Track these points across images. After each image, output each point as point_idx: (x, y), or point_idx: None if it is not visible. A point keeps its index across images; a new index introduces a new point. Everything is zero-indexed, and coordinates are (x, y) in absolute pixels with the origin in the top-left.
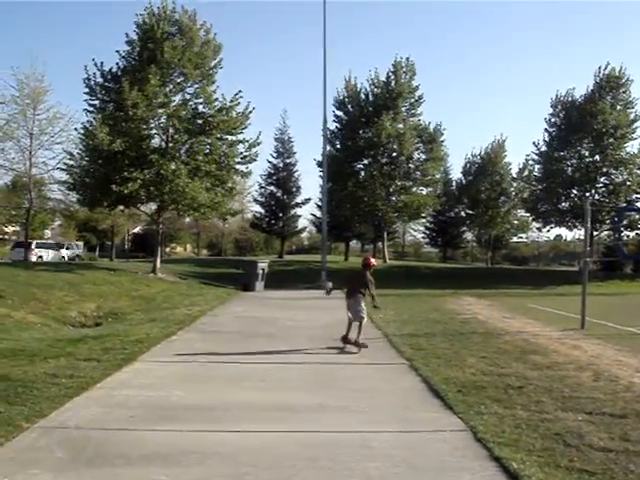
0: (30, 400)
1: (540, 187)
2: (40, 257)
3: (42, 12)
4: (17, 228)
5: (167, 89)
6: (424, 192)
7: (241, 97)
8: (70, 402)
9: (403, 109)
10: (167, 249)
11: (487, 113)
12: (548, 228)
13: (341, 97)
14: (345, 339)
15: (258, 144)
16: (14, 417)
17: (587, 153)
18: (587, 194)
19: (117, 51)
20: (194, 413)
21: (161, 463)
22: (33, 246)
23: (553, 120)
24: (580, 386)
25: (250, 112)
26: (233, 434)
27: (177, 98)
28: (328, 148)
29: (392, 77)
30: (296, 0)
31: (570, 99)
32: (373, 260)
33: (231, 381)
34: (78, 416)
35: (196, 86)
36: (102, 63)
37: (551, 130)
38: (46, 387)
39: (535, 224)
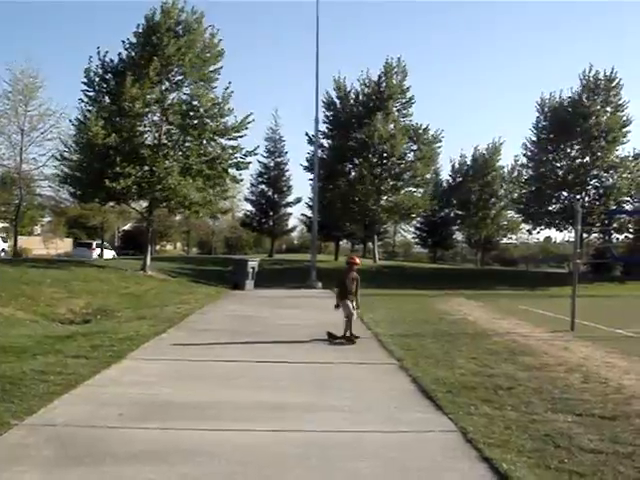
0: (18, 397)
1: (530, 189)
2: (99, 255)
3: (40, 7)
4: (6, 224)
5: (163, 87)
6: (415, 192)
7: (232, 92)
8: (58, 399)
9: (394, 109)
10: (157, 247)
11: (481, 114)
12: (538, 230)
13: (330, 98)
14: (345, 336)
15: (255, 154)
16: (1, 414)
17: (577, 154)
18: (577, 196)
19: (122, 41)
20: (183, 411)
21: (149, 461)
22: (94, 245)
23: (542, 123)
24: (570, 388)
25: (249, 122)
26: (223, 432)
27: (172, 96)
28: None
29: (383, 78)
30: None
31: (558, 101)
32: (358, 260)
33: (221, 379)
34: (66, 413)
35: (193, 87)
36: (106, 52)
37: (539, 132)
38: (34, 384)
39: (525, 225)
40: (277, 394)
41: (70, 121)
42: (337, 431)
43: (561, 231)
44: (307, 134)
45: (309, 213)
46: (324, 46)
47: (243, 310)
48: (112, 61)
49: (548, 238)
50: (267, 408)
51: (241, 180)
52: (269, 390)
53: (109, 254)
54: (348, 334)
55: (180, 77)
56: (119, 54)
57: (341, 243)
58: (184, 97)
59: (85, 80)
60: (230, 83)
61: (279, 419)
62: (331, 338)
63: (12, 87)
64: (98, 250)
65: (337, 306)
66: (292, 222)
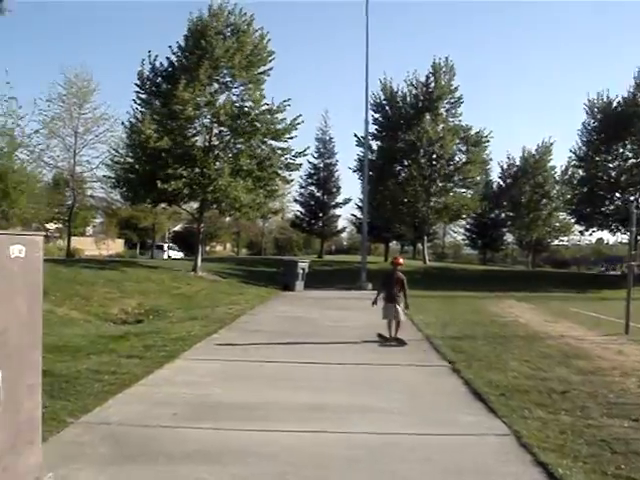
0: (73, 395)
1: (582, 190)
2: (169, 256)
3: (96, 10)
4: (59, 225)
5: (212, 89)
6: (464, 193)
7: (289, 105)
8: (112, 398)
9: (443, 110)
10: (207, 248)
11: (532, 113)
12: (590, 231)
13: (378, 100)
14: (395, 338)
15: (304, 155)
16: (58, 412)
17: (630, 155)
18: (631, 198)
19: (169, 46)
20: (235, 411)
21: (203, 461)
22: (166, 247)
23: (592, 124)
24: (625, 392)
25: (298, 123)
26: (274, 433)
27: (222, 97)
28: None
29: (431, 79)
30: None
31: (606, 101)
32: (401, 260)
33: (272, 380)
34: (120, 412)
35: (242, 88)
36: (156, 57)
37: (589, 133)
38: (89, 383)
39: (577, 227)
40: (328, 395)
41: (122, 123)
42: (388, 433)
43: (614, 233)
44: (356, 135)
45: (359, 214)
46: (374, 45)
47: (293, 311)
48: (162, 65)
49: (600, 240)
50: (318, 409)
51: (291, 180)
52: (320, 391)
53: (178, 255)
54: (388, 335)
55: (229, 79)
56: (168, 58)
57: (391, 244)
58: (234, 98)
59: (138, 82)
60: (290, 99)
61: (330, 420)
62: (382, 339)
63: (67, 90)
64: (170, 251)
65: (374, 303)
66: (341, 223)
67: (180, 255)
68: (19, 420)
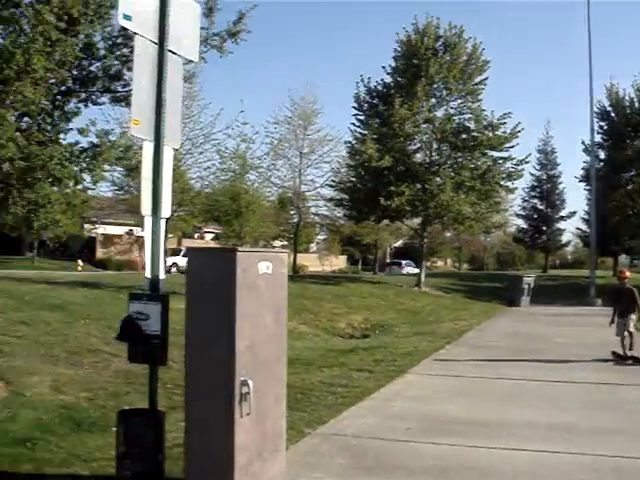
0: (309, 407)
1: None
2: (407, 272)
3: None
4: (285, 242)
5: (430, 104)
6: None
7: (510, 117)
8: (346, 411)
9: None
10: (428, 263)
11: None
12: None
13: (603, 107)
14: (632, 357)
15: (526, 162)
16: (296, 422)
17: None
18: None
19: (383, 67)
20: (469, 428)
21: (443, 476)
22: (404, 264)
23: None
24: None
25: (519, 131)
26: (510, 452)
27: (440, 112)
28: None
29: None
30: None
31: None
32: (628, 273)
33: (503, 397)
34: (355, 425)
35: (459, 101)
36: (369, 79)
37: None
38: (323, 395)
39: None
40: (563, 414)
41: (345, 142)
42: (633, 457)
43: None
44: (583, 142)
45: (584, 227)
46: (597, 48)
47: (520, 327)
48: (376, 87)
49: None
50: (554, 429)
51: (515, 189)
52: (554, 410)
53: (415, 270)
54: (622, 353)
55: (445, 92)
56: (382, 79)
57: (619, 258)
58: (451, 112)
59: (355, 105)
60: (510, 112)
61: (568, 441)
62: (617, 358)
63: (292, 113)
64: (407, 268)
65: (612, 322)
66: (566, 237)
67: (416, 271)
68: (266, 428)
